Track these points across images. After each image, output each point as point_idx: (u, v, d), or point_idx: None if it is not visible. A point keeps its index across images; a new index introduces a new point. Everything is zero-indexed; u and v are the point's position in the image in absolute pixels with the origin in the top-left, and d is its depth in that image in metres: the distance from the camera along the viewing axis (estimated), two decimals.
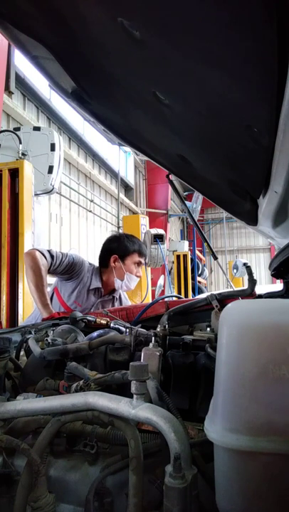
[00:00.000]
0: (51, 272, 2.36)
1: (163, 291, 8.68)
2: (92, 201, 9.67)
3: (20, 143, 4.46)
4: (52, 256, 2.32)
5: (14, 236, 3.83)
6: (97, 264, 2.62)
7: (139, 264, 2.52)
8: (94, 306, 2.49)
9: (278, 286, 2.06)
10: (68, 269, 2.40)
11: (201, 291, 10.86)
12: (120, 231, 8.25)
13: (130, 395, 0.75)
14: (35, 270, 2.25)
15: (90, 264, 2.55)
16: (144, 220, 7.90)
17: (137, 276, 2.51)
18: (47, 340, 1.30)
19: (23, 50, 1.25)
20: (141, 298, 7.03)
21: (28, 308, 4.06)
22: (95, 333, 1.39)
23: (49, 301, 2.25)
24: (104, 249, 2.58)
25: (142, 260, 2.54)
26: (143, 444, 0.76)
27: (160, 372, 1.08)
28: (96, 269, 2.55)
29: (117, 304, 2.62)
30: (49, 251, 2.35)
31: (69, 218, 8.69)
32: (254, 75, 0.77)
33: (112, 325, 1.53)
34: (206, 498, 0.69)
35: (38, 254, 2.28)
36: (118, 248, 2.51)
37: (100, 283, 2.50)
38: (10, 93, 6.53)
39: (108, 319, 1.59)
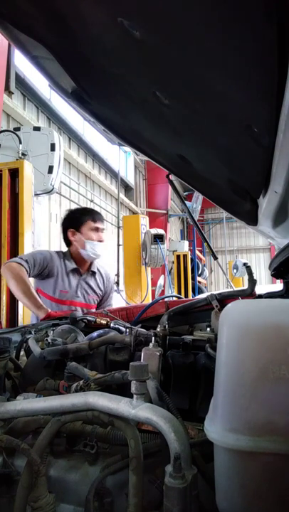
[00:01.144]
0: (31, 276, 2.42)
1: (163, 291, 8.68)
2: (92, 201, 9.66)
3: (20, 143, 4.46)
4: (26, 261, 2.38)
5: (14, 236, 3.83)
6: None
7: (97, 229, 2.55)
8: (78, 286, 2.54)
9: (278, 286, 2.06)
10: (43, 267, 2.45)
11: (201, 291, 10.86)
12: (120, 231, 8.23)
13: (130, 395, 0.75)
14: (17, 278, 2.29)
15: (57, 252, 2.62)
16: (144, 220, 7.90)
17: (100, 242, 2.54)
18: (47, 340, 1.30)
19: (23, 50, 1.25)
20: (141, 298, 7.04)
21: (28, 309, 4.06)
22: (95, 333, 1.39)
23: (41, 302, 2.27)
24: (62, 230, 2.66)
25: (99, 225, 2.58)
26: (143, 444, 0.76)
27: (160, 372, 1.08)
28: (66, 252, 2.62)
29: (98, 279, 2.66)
30: (21, 257, 2.42)
31: None
32: (254, 75, 0.77)
33: (112, 325, 1.53)
34: (206, 498, 0.69)
35: (14, 264, 2.35)
36: (71, 222, 2.60)
37: (74, 263, 2.56)
38: (10, 93, 6.53)
39: (108, 319, 1.59)
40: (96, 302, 2.67)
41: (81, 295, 2.56)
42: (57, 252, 2.60)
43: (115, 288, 7.55)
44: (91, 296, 2.62)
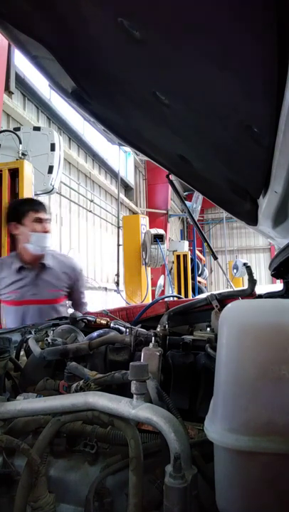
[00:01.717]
0: None
1: (163, 291, 8.69)
2: (92, 201, 9.66)
3: (21, 143, 4.46)
4: None
5: (14, 236, 3.83)
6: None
7: (40, 220, 2.38)
8: (31, 283, 2.38)
9: (278, 286, 2.06)
10: None
11: (201, 291, 10.86)
12: (120, 231, 8.23)
13: (130, 395, 0.75)
14: None
15: (9, 256, 2.54)
16: (144, 220, 7.90)
17: (45, 232, 2.37)
18: (47, 340, 1.30)
19: (23, 50, 1.25)
20: (141, 298, 7.04)
21: None
22: (95, 333, 1.39)
23: None
24: (7, 227, 2.56)
25: (41, 215, 2.40)
26: (143, 444, 0.76)
27: (160, 372, 1.08)
28: (15, 253, 2.49)
29: (56, 270, 2.46)
30: None
31: (69, 218, 8.69)
32: (254, 75, 0.77)
33: (112, 325, 1.53)
34: (206, 498, 0.69)
35: None
36: (11, 216, 2.44)
37: (18, 262, 2.40)
38: (10, 93, 6.53)
39: (108, 319, 1.59)
40: (63, 294, 2.50)
41: (38, 292, 2.38)
42: (9, 256, 2.50)
43: (115, 288, 7.56)
44: (52, 290, 2.44)
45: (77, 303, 2.61)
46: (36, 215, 2.37)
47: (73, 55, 1.17)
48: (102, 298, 9.59)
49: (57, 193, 6.85)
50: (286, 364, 0.58)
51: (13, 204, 2.58)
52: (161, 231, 7.58)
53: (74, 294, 2.56)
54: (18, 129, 4.85)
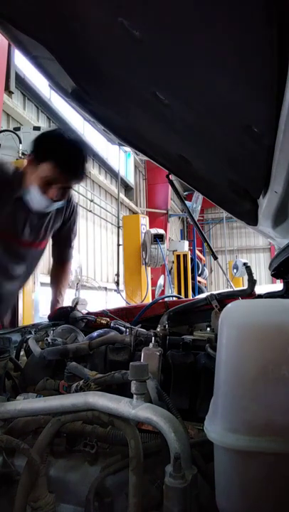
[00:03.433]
0: None
1: (163, 291, 8.68)
2: (92, 201, 9.66)
3: (21, 143, 4.47)
4: None
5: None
6: None
7: (57, 182, 1.69)
8: (25, 222, 1.86)
9: (278, 286, 2.06)
10: None
11: (201, 291, 10.86)
12: (120, 231, 8.22)
13: (130, 395, 0.75)
14: None
15: (14, 171, 1.84)
16: (144, 220, 7.90)
17: (55, 200, 1.75)
18: (47, 340, 1.30)
19: (23, 50, 1.25)
20: (141, 298, 7.04)
21: (28, 308, 4.07)
22: (95, 333, 1.39)
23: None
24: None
25: (67, 185, 1.74)
26: (143, 444, 0.76)
27: (160, 372, 1.08)
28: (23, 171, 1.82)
29: (57, 213, 1.96)
30: None
31: None
32: (254, 75, 0.77)
33: (112, 325, 1.53)
34: (206, 498, 0.69)
35: None
36: (37, 148, 1.73)
37: (21, 189, 1.78)
38: (10, 93, 6.53)
39: (108, 319, 1.59)
40: (49, 236, 2.06)
41: (28, 234, 1.91)
42: (16, 174, 1.83)
43: (115, 288, 7.56)
44: (43, 233, 1.98)
45: (65, 244, 2.19)
46: (55, 175, 1.69)
47: (73, 55, 1.17)
48: (102, 298, 9.59)
49: None
50: (286, 364, 0.58)
51: (49, 138, 1.77)
52: (161, 231, 7.58)
53: (62, 233, 2.12)
54: (18, 128, 4.85)
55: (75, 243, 2.30)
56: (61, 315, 1.71)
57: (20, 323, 3.58)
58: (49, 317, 1.85)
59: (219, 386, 0.63)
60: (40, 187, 1.72)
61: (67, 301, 2.27)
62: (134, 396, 0.74)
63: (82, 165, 1.75)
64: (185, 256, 9.93)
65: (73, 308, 1.73)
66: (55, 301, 2.20)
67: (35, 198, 1.76)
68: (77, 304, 1.77)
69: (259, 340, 0.61)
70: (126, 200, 11.52)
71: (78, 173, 1.76)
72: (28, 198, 1.77)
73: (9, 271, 1.97)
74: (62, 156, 1.68)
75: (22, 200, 1.81)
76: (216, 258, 2.19)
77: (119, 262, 7.84)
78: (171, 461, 0.63)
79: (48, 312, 2.06)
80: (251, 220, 1.60)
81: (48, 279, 2.37)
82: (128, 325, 1.51)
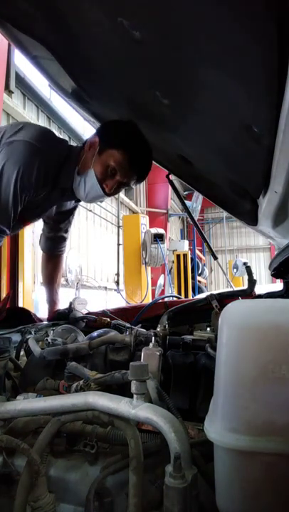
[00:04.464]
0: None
1: (163, 291, 8.68)
2: None
3: None
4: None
5: (14, 235, 3.83)
6: None
7: (121, 175, 1.52)
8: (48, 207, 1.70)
9: (278, 286, 2.06)
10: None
11: (201, 291, 10.86)
12: (120, 231, 8.22)
13: (130, 395, 0.75)
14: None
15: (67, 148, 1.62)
16: (144, 220, 7.90)
17: (105, 193, 1.57)
18: (47, 340, 1.30)
19: (23, 50, 1.25)
20: (141, 297, 7.04)
21: (28, 308, 4.06)
22: (95, 333, 1.39)
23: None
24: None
25: (130, 178, 1.56)
26: (143, 444, 0.76)
27: (160, 372, 1.08)
28: (75, 153, 1.61)
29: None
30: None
31: None
32: (254, 74, 0.77)
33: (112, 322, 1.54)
34: (206, 498, 0.69)
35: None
36: (108, 132, 1.55)
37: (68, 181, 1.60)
38: (10, 92, 6.52)
39: (108, 319, 1.59)
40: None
41: (36, 217, 1.78)
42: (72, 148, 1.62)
43: (115, 287, 7.56)
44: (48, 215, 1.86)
45: (61, 236, 2.06)
46: (120, 167, 1.51)
47: (73, 55, 1.17)
48: (102, 297, 9.59)
49: None
50: (286, 364, 0.58)
51: (127, 125, 1.50)
52: (161, 230, 7.58)
53: (61, 224, 2.01)
54: None
55: (76, 243, 2.23)
56: (59, 318, 1.70)
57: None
58: (48, 319, 1.85)
59: (219, 386, 0.63)
60: (100, 175, 1.53)
61: (66, 301, 2.19)
62: (134, 396, 0.74)
63: (149, 166, 1.61)
64: (185, 256, 9.92)
65: (70, 310, 1.71)
66: (52, 301, 2.13)
67: (90, 185, 1.55)
68: (71, 305, 1.74)
69: (259, 340, 0.61)
70: (126, 199, 11.52)
71: (144, 172, 1.60)
72: (78, 184, 1.58)
73: None
74: (137, 148, 1.51)
75: (64, 191, 1.65)
76: (216, 258, 2.19)
77: (119, 261, 7.84)
78: (171, 461, 0.63)
79: (47, 313, 2.04)
80: (251, 220, 1.60)
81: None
82: (128, 325, 1.51)
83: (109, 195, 1.59)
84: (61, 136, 1.72)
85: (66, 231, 2.08)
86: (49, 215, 1.91)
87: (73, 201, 1.86)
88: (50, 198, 1.63)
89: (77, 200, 1.80)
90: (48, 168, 1.49)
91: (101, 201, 1.72)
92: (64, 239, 2.11)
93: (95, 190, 1.56)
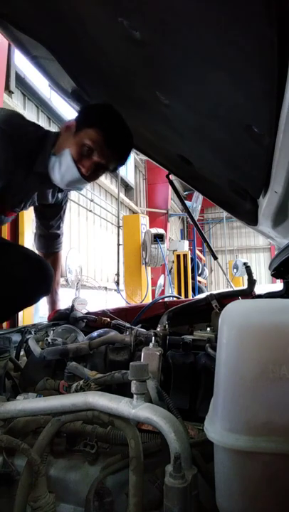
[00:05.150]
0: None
1: (163, 291, 8.68)
2: (92, 201, 9.66)
3: None
4: None
5: (14, 236, 3.84)
6: None
7: (97, 155, 1.46)
8: (31, 192, 1.66)
9: (278, 286, 2.06)
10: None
11: (201, 291, 10.85)
12: (120, 231, 8.22)
13: (130, 395, 0.75)
14: None
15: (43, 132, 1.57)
16: (144, 220, 7.89)
17: (82, 175, 1.49)
18: (47, 340, 1.30)
19: (23, 50, 1.26)
20: (141, 297, 7.04)
21: (28, 308, 4.06)
22: (95, 333, 1.39)
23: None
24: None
25: (108, 159, 1.49)
26: (143, 443, 0.76)
27: (160, 372, 1.08)
28: (51, 138, 1.56)
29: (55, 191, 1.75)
30: None
31: (69, 218, 8.69)
32: (254, 75, 0.77)
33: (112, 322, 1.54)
34: (206, 498, 0.69)
35: None
36: (84, 113, 1.52)
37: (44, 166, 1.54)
38: (10, 92, 6.53)
39: (108, 319, 1.59)
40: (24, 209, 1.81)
41: (24, 205, 1.72)
42: (45, 132, 1.57)
43: (115, 287, 7.56)
44: (25, 206, 1.76)
45: (55, 233, 2.04)
46: (95, 146, 1.44)
47: (73, 55, 1.18)
48: (102, 297, 9.59)
49: None
50: (286, 364, 0.58)
51: (104, 106, 1.46)
52: (161, 231, 7.58)
53: (52, 221, 1.98)
54: None
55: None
56: (60, 318, 1.70)
57: (20, 323, 3.59)
58: (48, 319, 1.84)
59: (219, 386, 0.63)
60: (76, 155, 1.46)
61: (67, 301, 2.13)
62: (134, 396, 0.74)
63: (128, 148, 1.55)
64: (185, 256, 9.92)
65: (71, 309, 1.72)
66: (52, 301, 2.09)
67: (65, 165, 1.48)
68: (73, 306, 1.75)
69: (259, 340, 0.61)
70: (126, 199, 11.52)
71: (122, 154, 1.54)
72: (52, 166, 1.51)
73: None
74: (113, 126, 1.45)
75: (40, 176, 1.58)
76: (216, 258, 2.19)
77: (119, 261, 7.84)
78: (171, 461, 0.63)
79: (47, 313, 2.04)
80: (251, 220, 1.60)
81: None
82: (128, 325, 1.51)
83: (87, 178, 1.52)
84: None
85: (58, 227, 2.03)
86: (38, 209, 1.90)
87: (59, 194, 1.83)
88: (28, 184, 1.59)
89: (60, 190, 1.77)
90: (18, 150, 1.44)
91: (80, 188, 1.63)
92: (57, 235, 2.06)
93: (70, 171, 1.48)
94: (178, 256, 9.92)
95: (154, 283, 8.55)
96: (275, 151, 0.93)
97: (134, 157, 12.64)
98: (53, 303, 2.12)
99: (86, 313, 1.73)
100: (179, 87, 1.01)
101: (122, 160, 1.57)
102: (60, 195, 1.86)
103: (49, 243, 2.08)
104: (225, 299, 1.58)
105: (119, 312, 1.78)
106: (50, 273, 1.71)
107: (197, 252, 14.17)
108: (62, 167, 1.49)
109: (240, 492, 0.61)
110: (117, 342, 1.27)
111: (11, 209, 1.71)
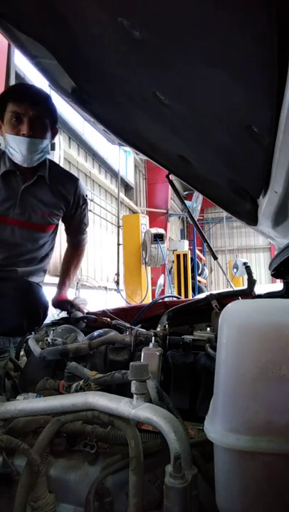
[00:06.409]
0: None
1: (163, 291, 8.68)
2: (92, 200, 9.65)
3: None
4: None
5: None
6: None
7: (19, 117, 1.66)
8: (18, 197, 1.80)
9: (278, 286, 2.06)
10: None
11: (201, 291, 10.86)
12: (120, 231, 8.22)
13: (130, 395, 0.75)
14: None
15: None
16: (144, 220, 7.90)
17: (22, 135, 1.66)
18: (47, 340, 1.30)
19: (23, 50, 1.25)
20: (141, 297, 7.04)
21: None
22: (95, 333, 1.39)
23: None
24: None
25: (23, 109, 1.66)
26: (143, 444, 0.76)
27: (160, 372, 1.08)
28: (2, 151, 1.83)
29: (56, 185, 1.89)
30: None
31: None
32: (254, 75, 0.77)
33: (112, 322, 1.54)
34: (206, 498, 0.69)
35: None
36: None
37: (8, 164, 1.77)
38: None
39: (108, 319, 1.59)
40: (55, 221, 1.96)
41: (23, 210, 1.82)
42: None
43: (115, 287, 7.57)
44: (42, 212, 1.87)
45: (76, 234, 2.17)
46: (13, 108, 1.66)
47: (73, 55, 1.17)
48: (102, 297, 9.59)
49: None
50: (286, 364, 0.58)
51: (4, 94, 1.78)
52: (161, 230, 7.58)
53: (73, 222, 2.09)
54: None
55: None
56: (62, 307, 1.78)
57: None
58: (52, 301, 1.90)
59: (219, 386, 0.63)
60: (12, 130, 1.68)
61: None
62: (134, 396, 0.74)
63: (35, 91, 1.80)
64: (185, 255, 9.93)
65: (72, 304, 1.78)
66: (61, 283, 2.16)
67: (13, 143, 1.69)
68: (74, 303, 1.80)
69: (259, 340, 0.61)
70: (126, 199, 11.52)
71: (31, 96, 1.72)
72: (10, 154, 1.74)
73: None
74: (13, 89, 1.90)
75: (11, 173, 1.79)
76: (215, 258, 2.19)
77: (119, 261, 7.84)
78: (171, 461, 0.63)
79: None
80: (251, 220, 1.60)
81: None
82: (128, 325, 1.51)
83: (34, 135, 1.68)
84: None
85: (82, 232, 2.20)
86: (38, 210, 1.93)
87: (61, 189, 1.92)
88: (7, 186, 1.79)
89: (56, 188, 1.89)
90: None
91: (45, 152, 1.78)
92: (81, 235, 2.21)
93: (18, 142, 1.68)
94: (178, 256, 9.93)
95: (154, 283, 8.54)
96: (275, 151, 0.93)
97: (134, 157, 12.64)
98: (62, 286, 2.15)
99: (86, 313, 1.73)
100: (179, 87, 1.01)
101: (42, 103, 1.74)
102: (62, 190, 1.93)
103: (74, 239, 2.25)
104: (225, 299, 1.58)
105: (119, 312, 1.78)
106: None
107: (197, 251, 14.17)
108: (13, 146, 1.70)
109: (240, 492, 0.61)
110: (117, 342, 1.27)
111: (4, 214, 1.82)
